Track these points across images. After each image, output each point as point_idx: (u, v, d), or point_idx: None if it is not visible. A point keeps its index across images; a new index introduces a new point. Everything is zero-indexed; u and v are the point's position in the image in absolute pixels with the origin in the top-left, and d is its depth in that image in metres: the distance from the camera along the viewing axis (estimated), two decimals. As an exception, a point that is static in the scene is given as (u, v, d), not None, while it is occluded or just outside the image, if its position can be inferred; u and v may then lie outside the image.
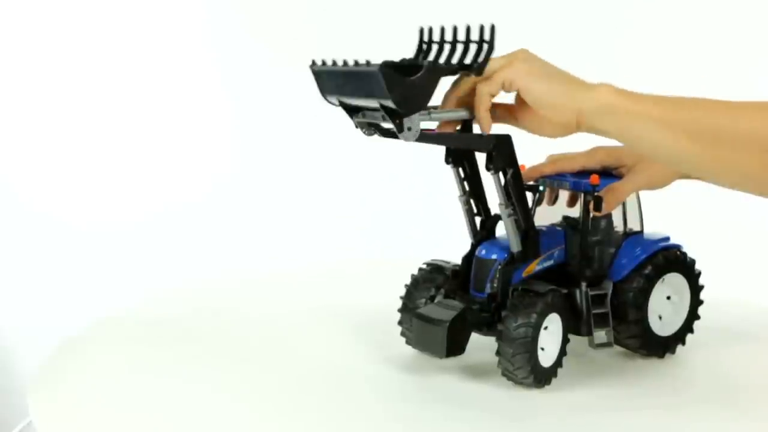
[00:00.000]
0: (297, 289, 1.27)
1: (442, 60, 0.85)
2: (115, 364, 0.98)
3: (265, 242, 1.97)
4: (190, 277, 1.71)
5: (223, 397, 0.88)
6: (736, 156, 0.77)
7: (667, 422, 0.84)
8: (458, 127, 0.88)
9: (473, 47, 0.83)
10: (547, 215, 0.98)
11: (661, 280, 0.96)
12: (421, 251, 1.05)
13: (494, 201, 0.91)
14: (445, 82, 0.85)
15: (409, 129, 0.80)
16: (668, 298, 0.98)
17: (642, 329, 0.95)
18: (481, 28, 0.82)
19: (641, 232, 0.98)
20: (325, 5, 1.98)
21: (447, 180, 0.95)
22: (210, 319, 1.13)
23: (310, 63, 0.86)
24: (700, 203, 1.39)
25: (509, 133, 0.88)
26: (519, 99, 0.86)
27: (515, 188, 0.88)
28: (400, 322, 0.97)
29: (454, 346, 0.88)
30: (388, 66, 0.76)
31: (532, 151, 0.94)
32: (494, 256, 0.91)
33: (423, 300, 0.95)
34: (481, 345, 0.91)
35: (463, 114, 0.86)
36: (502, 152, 0.87)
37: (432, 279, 0.96)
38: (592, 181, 0.91)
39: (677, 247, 0.97)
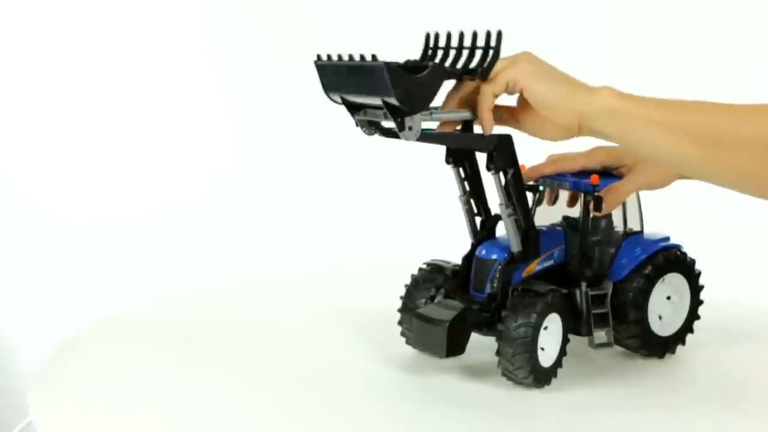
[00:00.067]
0: (297, 289, 1.27)
1: (447, 65, 0.85)
2: (115, 364, 0.98)
3: (265, 242, 1.97)
4: (190, 277, 1.71)
5: (223, 397, 0.88)
6: (737, 158, 0.77)
7: (667, 422, 0.84)
8: (459, 127, 0.88)
9: (478, 52, 0.83)
10: (547, 215, 0.98)
11: (661, 280, 0.96)
12: (421, 251, 1.05)
13: (494, 201, 0.91)
14: (447, 85, 0.85)
15: (410, 128, 0.80)
16: (668, 298, 0.98)
17: (642, 329, 0.95)
18: (488, 34, 0.82)
19: (641, 232, 0.98)
20: (325, 5, 1.98)
21: (447, 180, 0.95)
22: (210, 319, 1.13)
23: (315, 58, 0.86)
24: (700, 203, 1.39)
25: (510, 134, 0.88)
26: (521, 101, 0.86)
27: (515, 188, 0.88)
28: (400, 322, 0.97)
29: (454, 346, 0.88)
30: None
31: (532, 151, 0.94)
32: (494, 256, 0.91)
33: (423, 300, 0.95)
34: (481, 345, 0.91)
35: (465, 115, 0.86)
36: (502, 152, 0.87)
37: (432, 279, 0.96)
38: (592, 181, 0.91)
39: (677, 247, 0.97)
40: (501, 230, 0.93)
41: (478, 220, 0.95)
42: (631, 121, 0.80)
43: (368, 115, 0.85)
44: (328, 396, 0.89)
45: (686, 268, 0.98)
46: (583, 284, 0.93)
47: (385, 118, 0.81)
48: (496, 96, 0.84)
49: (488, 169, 0.88)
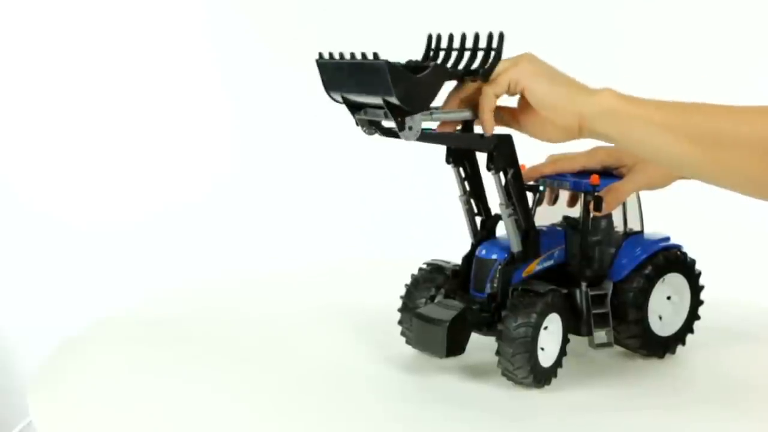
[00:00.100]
0: (297, 289, 1.27)
1: (449, 66, 0.85)
2: (115, 364, 0.98)
3: (265, 242, 1.97)
4: (190, 277, 1.71)
5: (223, 397, 0.88)
6: (737, 159, 0.77)
7: (667, 422, 0.84)
8: (459, 127, 0.88)
9: (480, 54, 0.83)
10: (547, 215, 0.98)
11: (661, 280, 0.96)
12: (421, 251, 1.05)
13: (494, 201, 0.91)
14: (447, 86, 0.85)
15: (410, 128, 0.80)
16: (668, 298, 0.98)
17: (642, 329, 0.95)
18: (490, 36, 0.82)
19: (641, 232, 0.98)
20: (325, 5, 1.98)
21: (447, 180, 0.95)
22: (210, 319, 1.13)
23: (317, 56, 0.86)
24: (700, 203, 1.39)
25: (510, 134, 0.88)
26: (522, 102, 0.86)
27: (516, 188, 0.88)
28: (400, 322, 0.97)
29: (454, 346, 0.88)
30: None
31: (532, 151, 0.94)
32: (494, 256, 0.91)
33: (423, 300, 0.95)
34: (481, 345, 0.91)
35: (465, 115, 0.86)
36: (502, 152, 0.87)
37: (432, 279, 0.96)
38: (592, 181, 0.91)
39: (677, 247, 0.97)
40: (501, 230, 0.93)
41: (478, 220, 0.95)
42: (632, 123, 0.80)
43: (368, 114, 0.85)
44: (328, 396, 0.89)
45: (686, 268, 0.98)
46: (583, 284, 0.93)
47: (386, 117, 0.81)
48: (497, 97, 0.84)
49: (488, 169, 0.88)
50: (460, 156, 0.92)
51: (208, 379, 0.93)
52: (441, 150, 0.91)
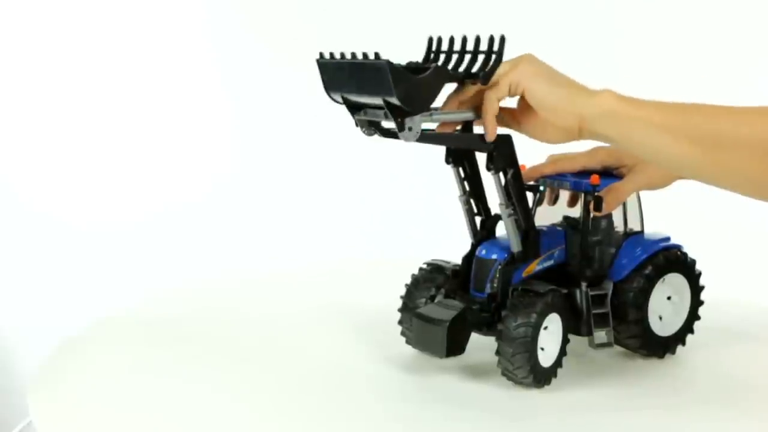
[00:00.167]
0: (297, 289, 1.27)
1: (450, 68, 0.85)
2: (115, 364, 0.98)
3: (265, 242, 1.97)
4: (190, 277, 1.71)
5: (223, 397, 0.88)
6: (737, 160, 0.77)
7: (667, 422, 0.84)
8: (458, 128, 0.88)
9: (480, 56, 0.83)
10: (547, 215, 0.98)
11: (661, 280, 0.96)
12: (421, 251, 1.05)
13: (494, 201, 0.91)
14: (447, 88, 0.85)
15: (410, 129, 0.80)
16: (668, 298, 0.98)
17: (642, 329, 0.95)
18: (491, 39, 0.82)
19: (641, 232, 0.98)
20: (325, 5, 1.98)
21: (447, 180, 0.95)
22: (210, 319, 1.13)
23: (318, 56, 0.86)
24: (700, 203, 1.39)
25: (509, 134, 0.88)
26: (522, 103, 0.86)
27: (515, 188, 0.88)
28: (400, 322, 0.97)
29: (454, 346, 0.88)
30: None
31: (532, 151, 0.94)
32: (494, 256, 0.91)
33: (423, 300, 0.95)
34: (481, 345, 0.91)
35: (465, 115, 0.86)
36: (502, 152, 0.87)
37: (432, 279, 0.96)
38: (592, 181, 0.91)
39: (678, 248, 0.97)
40: (501, 230, 0.93)
41: (478, 220, 0.95)
42: (632, 124, 0.81)
43: (368, 115, 0.85)
44: (328, 396, 0.89)
45: (687, 268, 0.98)
46: (584, 284, 0.93)
47: (386, 118, 0.81)
48: (500, 100, 0.84)
49: (488, 169, 0.88)
50: (459, 156, 0.92)
51: (208, 379, 0.93)
52: (441, 150, 0.91)
